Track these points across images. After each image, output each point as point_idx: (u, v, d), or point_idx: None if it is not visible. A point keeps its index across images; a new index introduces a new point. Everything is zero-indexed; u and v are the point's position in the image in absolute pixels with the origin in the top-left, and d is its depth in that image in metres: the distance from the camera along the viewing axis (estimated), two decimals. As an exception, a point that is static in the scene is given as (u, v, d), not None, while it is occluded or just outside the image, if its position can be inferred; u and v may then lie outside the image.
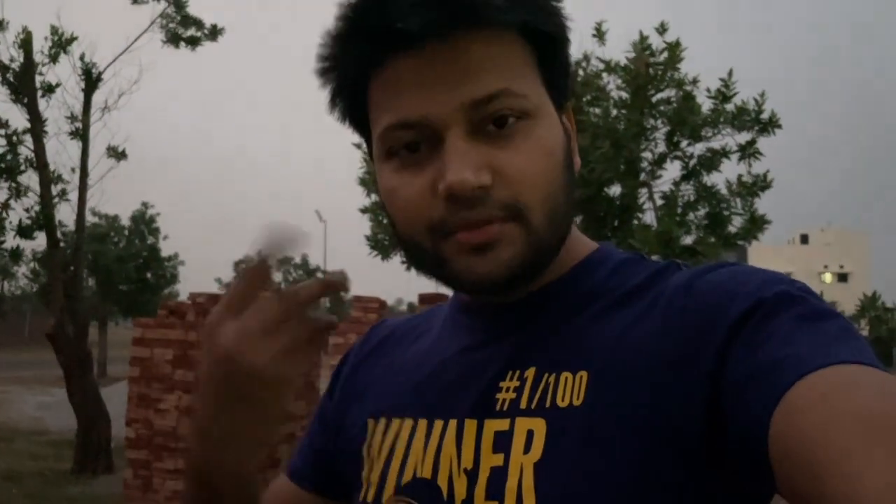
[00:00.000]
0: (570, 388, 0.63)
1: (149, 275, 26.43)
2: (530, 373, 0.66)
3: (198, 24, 10.35)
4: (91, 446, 8.81)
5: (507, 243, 0.63)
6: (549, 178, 0.64)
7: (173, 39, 10.28)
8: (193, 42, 10.33)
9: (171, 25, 10.26)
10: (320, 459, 0.85)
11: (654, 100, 7.70)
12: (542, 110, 0.66)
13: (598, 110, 7.86)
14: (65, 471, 8.89)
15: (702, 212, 7.86)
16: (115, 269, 24.59)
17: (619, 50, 8.03)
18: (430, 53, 0.62)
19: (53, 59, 9.35)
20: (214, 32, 10.49)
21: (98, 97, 9.74)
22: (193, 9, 10.36)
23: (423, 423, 0.71)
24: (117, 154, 10.27)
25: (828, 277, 65.15)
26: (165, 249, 27.19)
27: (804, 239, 69.93)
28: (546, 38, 0.66)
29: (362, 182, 8.13)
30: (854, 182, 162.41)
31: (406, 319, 0.88)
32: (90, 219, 19.25)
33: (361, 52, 0.64)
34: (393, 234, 1.02)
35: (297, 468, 0.87)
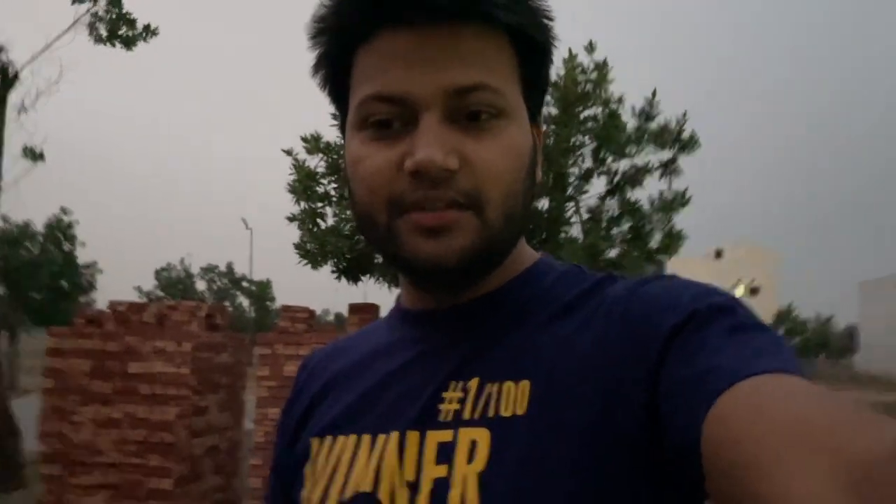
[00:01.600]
0: (514, 398, 0.63)
1: (63, 282, 25.38)
2: (473, 383, 0.66)
3: (130, 23, 10.00)
4: (1, 462, 8.41)
5: (460, 230, 0.63)
6: (512, 176, 0.65)
7: (110, 37, 9.88)
8: (129, 42, 9.96)
9: (100, 25, 9.88)
10: None
11: (581, 117, 7.86)
12: (517, 113, 0.67)
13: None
14: (-29, 488, 8.45)
15: (625, 226, 8.05)
16: (26, 275, 23.52)
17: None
18: (421, 34, 0.62)
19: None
20: (147, 32, 10.16)
21: (14, 97, 9.35)
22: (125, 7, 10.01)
23: (366, 438, 0.70)
24: (34, 155, 9.83)
25: (740, 291, 67.53)
26: (83, 257, 26.18)
27: (718, 254, 72.55)
28: (533, 48, 0.67)
29: (292, 189, 7.99)
30: (765, 200, 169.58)
31: (334, 343, 0.88)
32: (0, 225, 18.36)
33: (355, 19, 0.65)
34: (350, 208, 1.02)
35: None
